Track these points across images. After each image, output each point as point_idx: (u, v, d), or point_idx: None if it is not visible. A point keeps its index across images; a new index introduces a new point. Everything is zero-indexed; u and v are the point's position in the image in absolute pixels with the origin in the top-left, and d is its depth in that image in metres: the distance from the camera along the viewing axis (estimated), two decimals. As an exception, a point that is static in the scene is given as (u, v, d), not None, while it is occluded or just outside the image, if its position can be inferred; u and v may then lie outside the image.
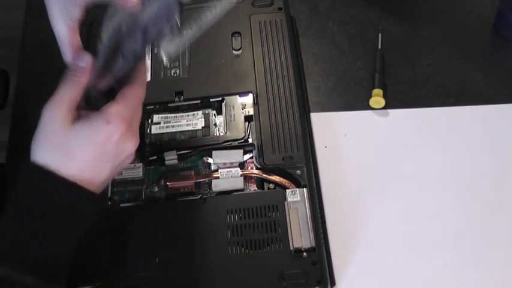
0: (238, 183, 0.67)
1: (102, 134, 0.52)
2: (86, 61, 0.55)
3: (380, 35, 0.83)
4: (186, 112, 0.72)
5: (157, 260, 0.61)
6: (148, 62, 0.77)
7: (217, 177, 0.67)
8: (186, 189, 0.67)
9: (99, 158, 0.53)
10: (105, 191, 0.56)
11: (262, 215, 0.64)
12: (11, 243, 0.50)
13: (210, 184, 0.67)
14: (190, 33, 0.54)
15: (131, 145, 0.54)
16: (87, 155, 0.52)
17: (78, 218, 0.52)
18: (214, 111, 0.73)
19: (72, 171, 0.51)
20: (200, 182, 0.68)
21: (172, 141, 0.70)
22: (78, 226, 0.52)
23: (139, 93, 0.55)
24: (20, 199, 0.51)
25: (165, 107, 0.73)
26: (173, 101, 0.73)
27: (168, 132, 0.71)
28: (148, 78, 0.75)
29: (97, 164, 0.53)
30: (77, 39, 0.57)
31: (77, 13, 0.55)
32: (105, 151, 0.53)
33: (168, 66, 0.76)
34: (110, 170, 0.53)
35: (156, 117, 0.72)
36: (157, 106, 0.73)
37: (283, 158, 0.68)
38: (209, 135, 0.71)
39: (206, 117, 0.72)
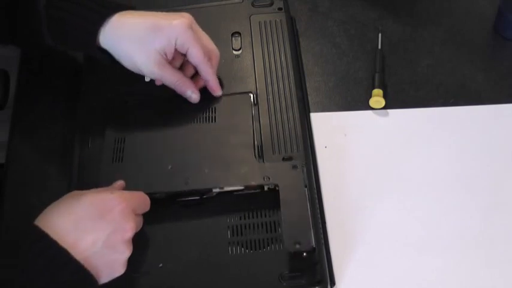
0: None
1: (105, 202, 0.56)
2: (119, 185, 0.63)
3: (380, 35, 0.83)
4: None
5: (160, 265, 0.61)
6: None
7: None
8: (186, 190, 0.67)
9: (96, 221, 0.55)
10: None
11: (262, 215, 0.64)
12: None
13: (210, 184, 0.67)
14: None
15: (129, 227, 0.57)
16: (84, 214, 0.55)
17: (50, 273, 0.52)
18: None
19: (63, 228, 0.53)
20: (200, 182, 0.68)
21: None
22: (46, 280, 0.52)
23: (146, 200, 0.62)
24: (6, 246, 0.54)
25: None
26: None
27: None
28: (148, 78, 0.75)
29: (89, 227, 0.55)
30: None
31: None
32: (103, 217, 0.55)
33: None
34: (100, 243, 0.54)
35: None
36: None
37: (283, 158, 0.67)
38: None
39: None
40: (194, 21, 0.69)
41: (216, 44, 0.78)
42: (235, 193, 0.66)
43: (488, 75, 0.80)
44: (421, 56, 0.82)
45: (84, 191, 0.58)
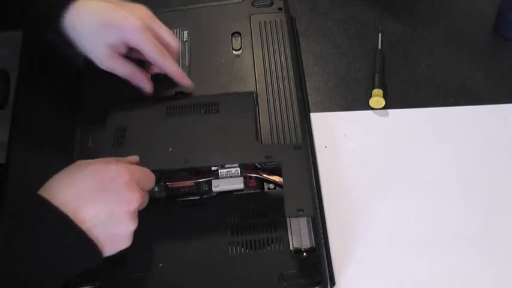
0: (238, 183, 0.67)
1: (108, 173, 0.54)
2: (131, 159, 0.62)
3: (380, 35, 0.83)
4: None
5: (160, 265, 0.61)
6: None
7: (217, 177, 0.67)
8: (186, 189, 0.67)
9: (97, 192, 0.53)
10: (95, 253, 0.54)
11: (262, 215, 0.64)
12: None
13: (210, 184, 0.67)
14: None
15: (135, 198, 0.55)
16: (85, 185, 0.54)
17: (49, 240, 0.51)
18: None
19: (64, 197, 0.52)
20: (200, 182, 0.68)
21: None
22: (46, 249, 0.51)
23: (151, 176, 0.60)
24: (7, 214, 0.53)
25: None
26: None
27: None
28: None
29: (90, 198, 0.53)
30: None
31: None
32: (106, 188, 0.54)
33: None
34: (103, 214, 0.53)
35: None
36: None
37: None
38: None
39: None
40: (151, 16, 0.69)
41: (216, 44, 0.78)
42: (235, 193, 0.67)
43: (488, 75, 0.80)
44: (421, 56, 0.82)
45: (89, 161, 0.56)
